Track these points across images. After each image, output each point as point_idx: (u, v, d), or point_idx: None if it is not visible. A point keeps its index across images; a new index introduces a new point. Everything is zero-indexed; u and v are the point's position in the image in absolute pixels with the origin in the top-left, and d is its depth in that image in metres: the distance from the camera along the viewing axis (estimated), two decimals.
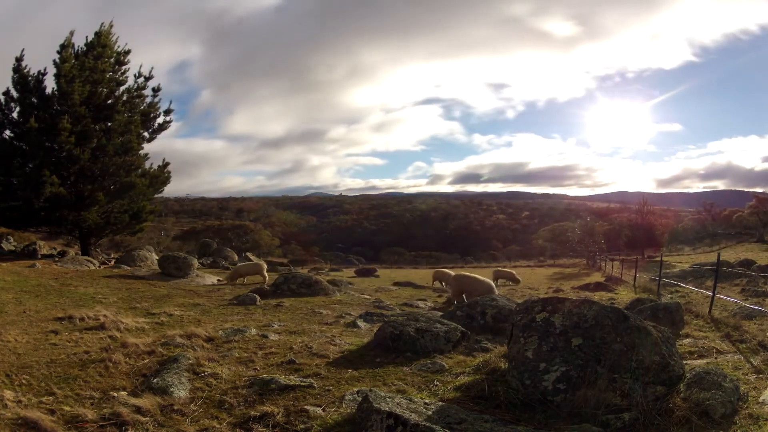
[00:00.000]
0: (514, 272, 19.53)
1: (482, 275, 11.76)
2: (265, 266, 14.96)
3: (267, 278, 13.67)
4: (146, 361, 4.83)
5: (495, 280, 16.67)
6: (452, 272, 14.37)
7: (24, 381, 4.18)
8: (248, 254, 32.25)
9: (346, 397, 3.89)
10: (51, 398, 3.83)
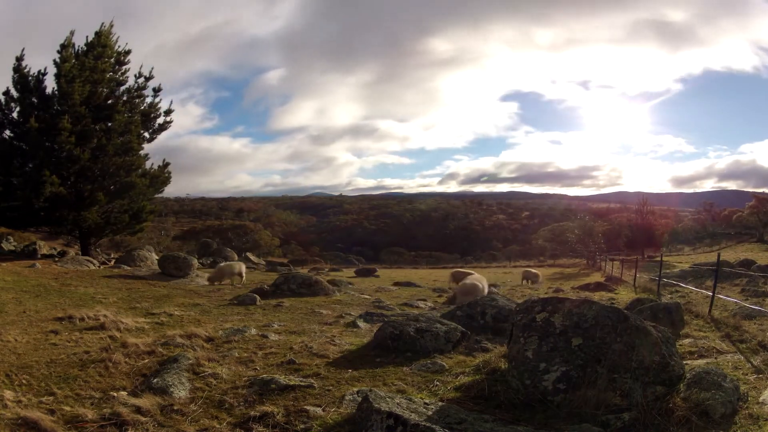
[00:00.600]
0: (539, 273, 19.99)
1: (486, 274, 11.86)
2: (244, 266, 14.70)
3: (244, 278, 13.65)
4: (146, 361, 4.83)
5: (524, 279, 18.48)
6: (475, 273, 14.84)
7: (24, 381, 4.18)
8: (248, 254, 32.26)
9: (346, 397, 3.89)
10: (51, 398, 3.83)
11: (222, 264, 14.92)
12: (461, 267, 26.40)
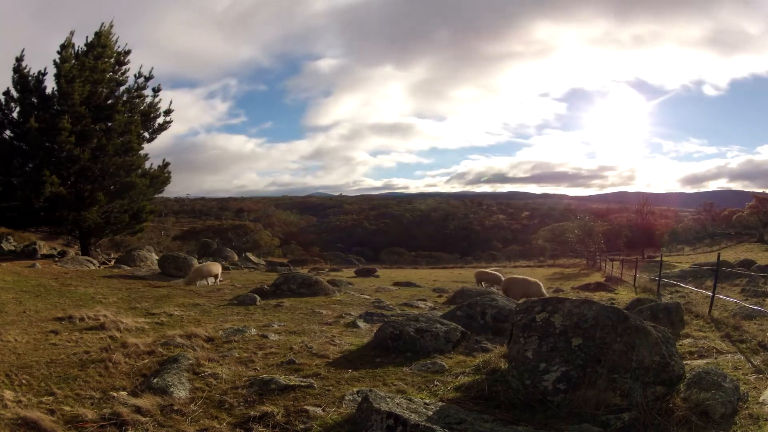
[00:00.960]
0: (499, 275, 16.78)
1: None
2: (220, 267, 13.73)
3: (217, 280, 12.87)
4: (146, 361, 4.83)
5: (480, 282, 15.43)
6: (500, 274, 14.99)
7: (24, 381, 4.18)
8: (248, 254, 32.24)
9: (346, 397, 3.89)
10: (51, 398, 3.83)
11: (199, 265, 14.20)
12: (485, 267, 25.66)
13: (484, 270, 17.34)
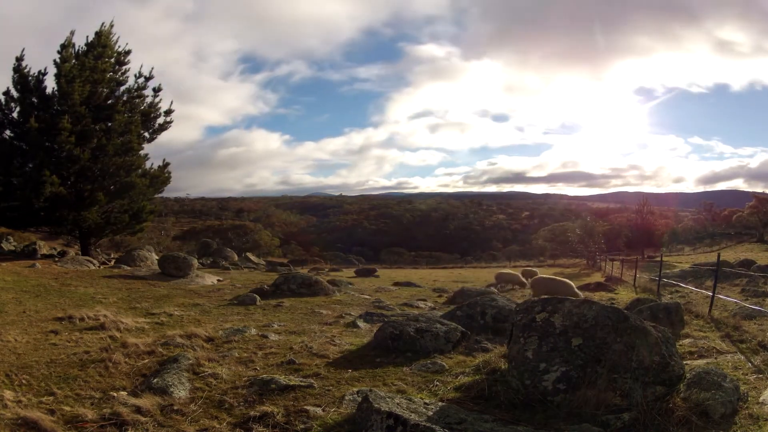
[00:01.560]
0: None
1: (486, 275, 11.89)
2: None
3: None
4: (146, 361, 4.83)
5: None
6: (519, 274, 15.16)
7: (24, 381, 4.18)
8: (248, 254, 32.24)
9: (346, 397, 3.89)
10: (51, 398, 3.83)
11: None
12: (485, 267, 25.99)
13: (503, 272, 17.63)
